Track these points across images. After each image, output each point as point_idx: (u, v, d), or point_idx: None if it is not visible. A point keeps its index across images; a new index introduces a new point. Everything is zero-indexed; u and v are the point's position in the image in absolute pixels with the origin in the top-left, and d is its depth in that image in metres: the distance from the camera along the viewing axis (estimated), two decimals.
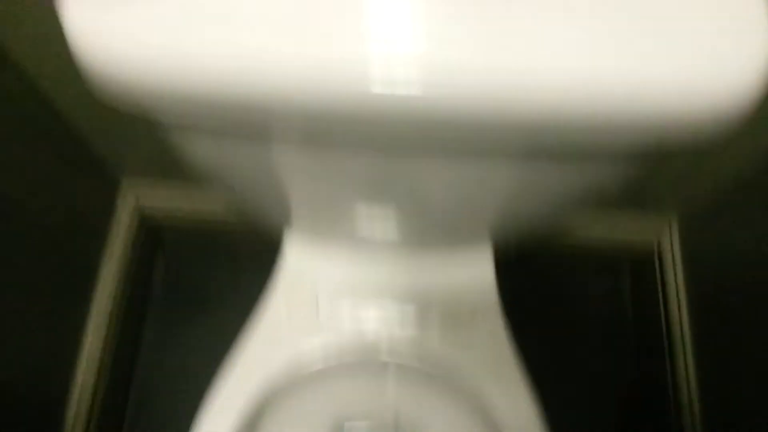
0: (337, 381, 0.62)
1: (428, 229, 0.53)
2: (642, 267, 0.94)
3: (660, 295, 0.88)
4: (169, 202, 0.86)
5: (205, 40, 0.29)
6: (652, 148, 0.33)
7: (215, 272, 0.91)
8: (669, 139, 0.32)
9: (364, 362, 0.60)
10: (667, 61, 0.29)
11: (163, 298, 0.88)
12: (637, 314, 0.95)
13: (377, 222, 0.52)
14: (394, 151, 0.38)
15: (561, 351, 0.90)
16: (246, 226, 0.85)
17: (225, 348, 0.57)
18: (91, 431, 0.73)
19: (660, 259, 0.89)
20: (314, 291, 0.60)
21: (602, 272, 0.97)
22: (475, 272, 0.60)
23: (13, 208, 0.59)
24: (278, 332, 0.58)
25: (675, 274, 0.85)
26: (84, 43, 0.30)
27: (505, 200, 0.44)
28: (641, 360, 0.92)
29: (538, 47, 0.29)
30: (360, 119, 0.31)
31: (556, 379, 0.83)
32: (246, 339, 0.57)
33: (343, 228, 0.54)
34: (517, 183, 0.40)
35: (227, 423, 0.53)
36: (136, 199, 0.83)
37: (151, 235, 0.89)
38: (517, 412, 0.53)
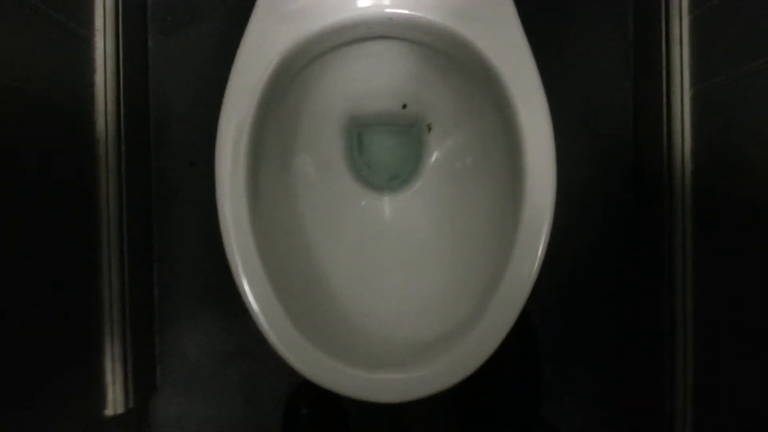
0: (346, 63, 0.63)
1: None
2: None
3: None
4: None
5: None
6: None
7: None
8: None
9: (369, 40, 0.60)
10: None
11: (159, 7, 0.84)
12: None
13: None
14: None
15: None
16: None
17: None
18: (123, 146, 0.76)
19: None
20: None
21: None
22: None
23: None
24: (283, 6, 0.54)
25: None
26: None
27: None
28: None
29: None
30: None
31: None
32: (252, 22, 0.54)
33: None
34: None
35: (246, 107, 0.53)
36: None
37: None
38: (526, 91, 0.54)
